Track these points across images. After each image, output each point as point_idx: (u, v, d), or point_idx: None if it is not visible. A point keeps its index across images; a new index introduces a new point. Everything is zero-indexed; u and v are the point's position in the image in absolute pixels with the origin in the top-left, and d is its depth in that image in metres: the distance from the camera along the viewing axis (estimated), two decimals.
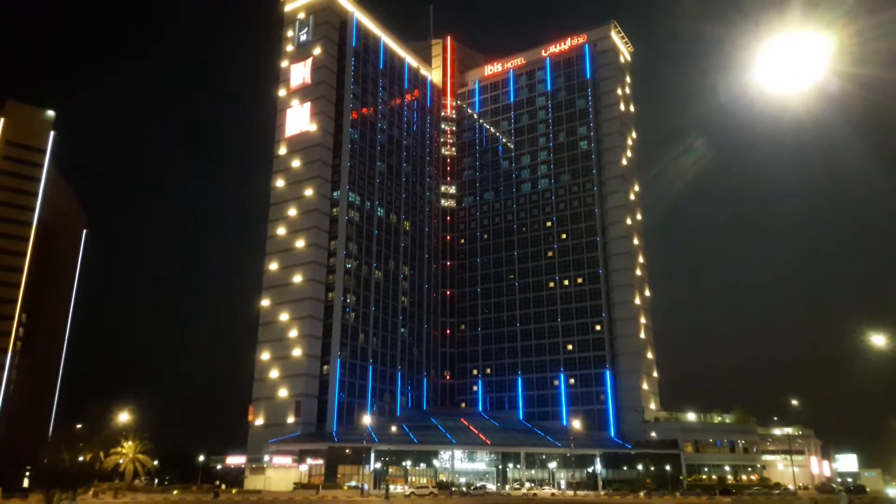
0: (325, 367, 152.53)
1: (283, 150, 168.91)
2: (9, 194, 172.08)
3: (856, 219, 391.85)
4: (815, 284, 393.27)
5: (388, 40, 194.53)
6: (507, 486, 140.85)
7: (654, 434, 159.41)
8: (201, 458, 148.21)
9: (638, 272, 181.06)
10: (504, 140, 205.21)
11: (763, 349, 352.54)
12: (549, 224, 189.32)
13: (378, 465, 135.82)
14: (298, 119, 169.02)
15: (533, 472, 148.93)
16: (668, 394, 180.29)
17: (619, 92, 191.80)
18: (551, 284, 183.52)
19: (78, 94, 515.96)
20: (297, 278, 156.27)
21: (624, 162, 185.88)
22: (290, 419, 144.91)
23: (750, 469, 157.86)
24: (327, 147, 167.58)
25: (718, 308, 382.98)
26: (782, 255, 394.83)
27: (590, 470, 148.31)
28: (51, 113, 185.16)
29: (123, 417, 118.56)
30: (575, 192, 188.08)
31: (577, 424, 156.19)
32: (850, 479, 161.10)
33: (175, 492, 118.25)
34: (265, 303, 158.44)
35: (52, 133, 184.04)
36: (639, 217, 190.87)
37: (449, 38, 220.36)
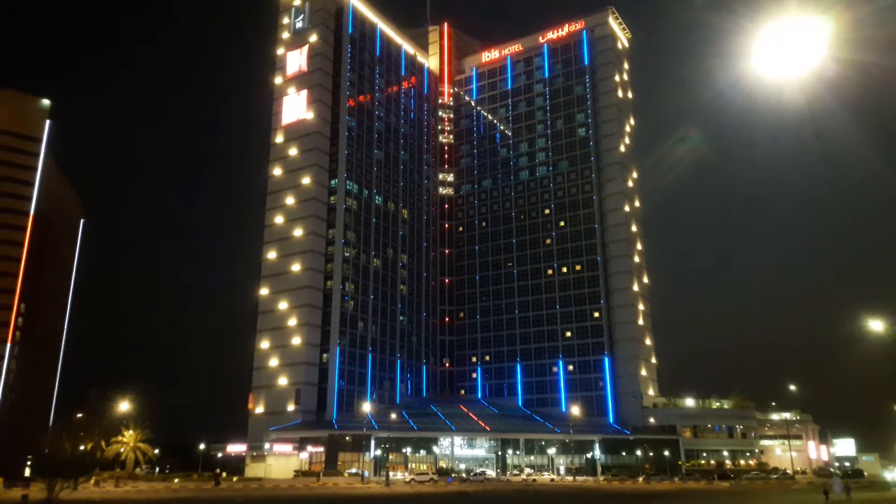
0: (325, 355, 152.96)
1: (279, 139, 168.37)
2: (4, 183, 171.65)
3: (854, 203, 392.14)
4: (814, 270, 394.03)
5: (384, 27, 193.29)
6: (507, 473, 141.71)
7: (652, 420, 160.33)
8: (202, 446, 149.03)
9: (636, 259, 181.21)
10: (502, 127, 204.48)
11: (761, 335, 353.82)
12: (547, 211, 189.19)
13: (378, 452, 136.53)
14: (295, 107, 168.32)
15: (532, 458, 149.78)
16: (666, 380, 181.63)
17: (617, 78, 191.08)
18: (550, 272, 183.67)
19: (74, 84, 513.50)
20: (296, 267, 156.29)
21: (622, 149, 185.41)
22: (290, 407, 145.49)
23: (748, 454, 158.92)
24: (324, 135, 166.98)
25: (716, 294, 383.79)
26: (781, 240, 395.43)
27: (589, 456, 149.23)
28: (46, 102, 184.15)
29: (124, 406, 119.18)
30: (573, 180, 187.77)
31: (575, 411, 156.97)
32: (847, 464, 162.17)
33: (176, 480, 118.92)
34: (264, 291, 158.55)
35: (47, 122, 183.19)
36: (637, 204, 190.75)
37: (446, 24, 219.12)
